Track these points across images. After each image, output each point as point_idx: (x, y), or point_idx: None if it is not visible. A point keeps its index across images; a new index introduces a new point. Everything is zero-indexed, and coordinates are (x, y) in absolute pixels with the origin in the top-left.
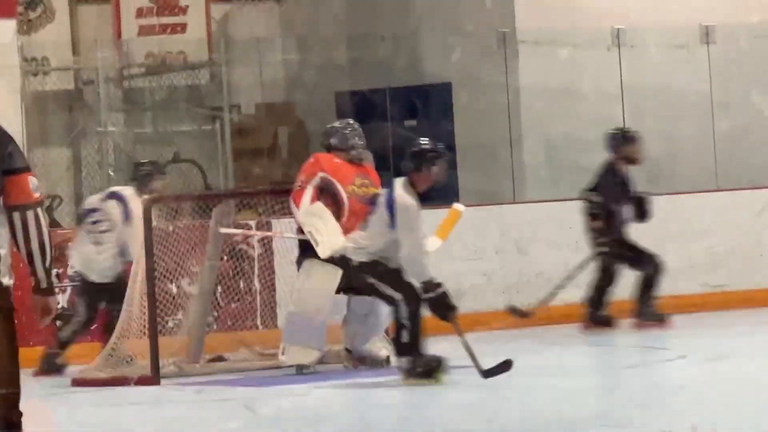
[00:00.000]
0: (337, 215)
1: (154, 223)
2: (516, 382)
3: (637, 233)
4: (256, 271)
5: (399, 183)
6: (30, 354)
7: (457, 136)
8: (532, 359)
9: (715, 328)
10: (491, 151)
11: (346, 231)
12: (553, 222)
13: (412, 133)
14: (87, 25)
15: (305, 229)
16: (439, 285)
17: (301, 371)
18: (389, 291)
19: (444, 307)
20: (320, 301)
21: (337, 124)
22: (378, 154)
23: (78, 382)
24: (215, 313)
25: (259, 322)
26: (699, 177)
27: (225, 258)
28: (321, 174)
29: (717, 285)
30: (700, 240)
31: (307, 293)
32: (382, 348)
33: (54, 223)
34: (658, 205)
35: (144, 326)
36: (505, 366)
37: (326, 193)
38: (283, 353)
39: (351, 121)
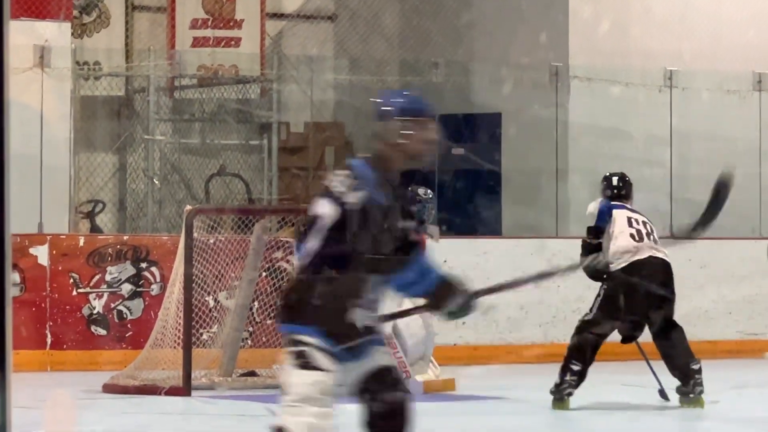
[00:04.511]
0: None
1: (195, 235)
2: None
3: (678, 277)
4: None
5: None
6: (64, 357)
7: (504, 166)
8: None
9: (748, 375)
10: (536, 185)
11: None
12: None
13: (459, 160)
14: (141, 32)
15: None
16: None
17: None
18: None
19: None
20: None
21: (419, 192)
22: (424, 177)
23: (109, 388)
24: (250, 329)
25: None
26: (742, 225)
27: (263, 274)
28: None
29: (752, 333)
30: (740, 287)
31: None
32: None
33: (95, 228)
34: (700, 250)
35: (178, 336)
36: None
37: None
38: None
39: (431, 194)
